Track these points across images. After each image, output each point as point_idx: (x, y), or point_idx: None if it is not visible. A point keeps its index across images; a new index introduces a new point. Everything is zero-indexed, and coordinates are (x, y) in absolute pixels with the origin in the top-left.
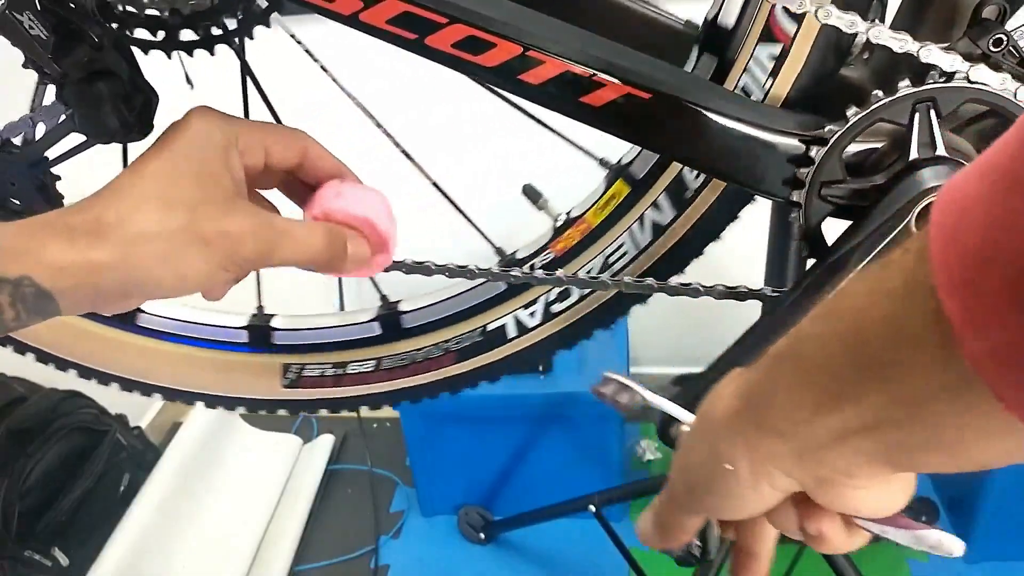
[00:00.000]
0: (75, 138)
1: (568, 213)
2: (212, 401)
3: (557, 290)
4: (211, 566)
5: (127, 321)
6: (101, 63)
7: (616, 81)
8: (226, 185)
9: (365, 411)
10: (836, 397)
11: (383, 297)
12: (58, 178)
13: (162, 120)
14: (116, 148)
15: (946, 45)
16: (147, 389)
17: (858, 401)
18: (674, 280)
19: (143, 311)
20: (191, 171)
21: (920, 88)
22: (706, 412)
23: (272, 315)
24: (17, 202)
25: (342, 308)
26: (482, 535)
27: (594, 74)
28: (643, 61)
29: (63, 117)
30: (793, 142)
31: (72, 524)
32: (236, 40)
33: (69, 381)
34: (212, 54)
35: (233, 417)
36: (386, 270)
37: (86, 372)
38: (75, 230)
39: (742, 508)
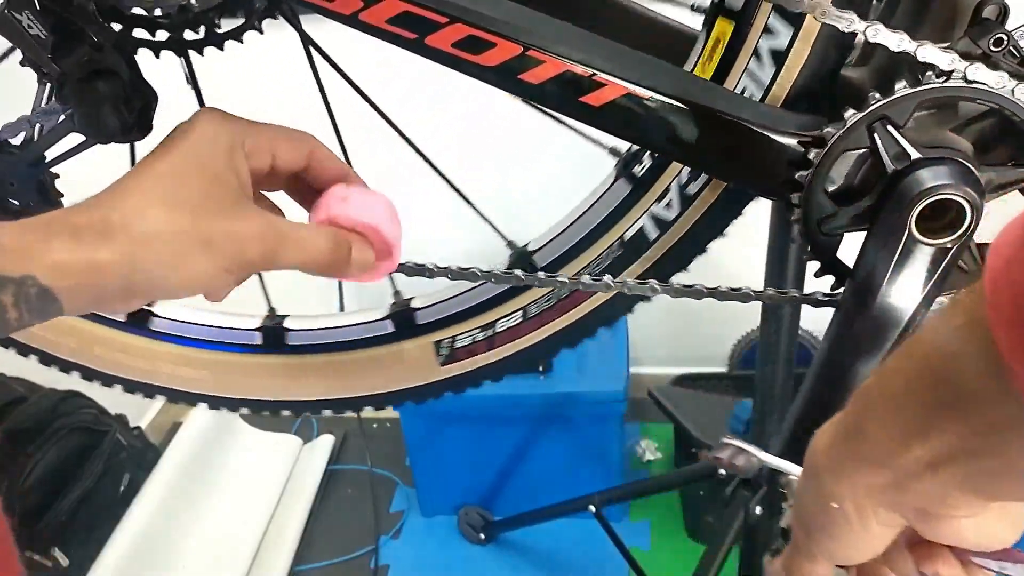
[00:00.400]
0: (75, 138)
1: None
2: (380, 401)
3: (689, 168)
4: (211, 566)
5: (276, 344)
6: (101, 63)
7: (616, 81)
8: (231, 187)
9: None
10: (923, 427)
11: (510, 243)
12: (57, 176)
13: (161, 120)
14: (115, 148)
15: (936, 41)
16: (315, 407)
17: (941, 431)
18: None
19: (289, 329)
20: (196, 172)
21: (866, 112)
22: (809, 456)
23: (411, 298)
24: (16, 202)
25: (342, 309)
26: (482, 535)
27: (594, 74)
28: (643, 61)
29: (63, 117)
30: (790, 144)
31: (72, 524)
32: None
33: (70, 382)
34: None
35: (233, 417)
36: (396, 271)
37: (257, 406)
38: (80, 230)
39: (855, 547)
